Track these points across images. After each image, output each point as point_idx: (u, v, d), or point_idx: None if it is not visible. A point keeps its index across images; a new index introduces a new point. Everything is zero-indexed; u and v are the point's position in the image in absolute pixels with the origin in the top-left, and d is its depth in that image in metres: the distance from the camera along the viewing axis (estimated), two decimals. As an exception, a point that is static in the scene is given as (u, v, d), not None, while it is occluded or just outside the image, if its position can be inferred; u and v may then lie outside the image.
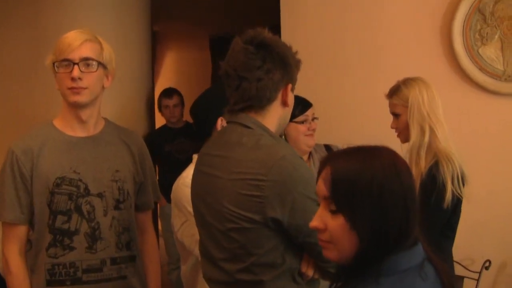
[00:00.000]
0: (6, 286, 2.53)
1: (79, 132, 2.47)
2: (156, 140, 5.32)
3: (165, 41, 9.26)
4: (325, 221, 1.46)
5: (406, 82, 2.93)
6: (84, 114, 2.44)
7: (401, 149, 2.73)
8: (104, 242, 2.42)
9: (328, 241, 1.47)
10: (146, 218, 2.73)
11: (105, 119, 2.60)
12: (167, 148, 5.52)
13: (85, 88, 2.36)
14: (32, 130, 2.53)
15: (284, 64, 2.01)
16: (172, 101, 5.66)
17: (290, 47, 2.07)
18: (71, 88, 2.36)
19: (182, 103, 5.72)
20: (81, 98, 2.38)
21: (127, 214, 2.52)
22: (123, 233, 2.49)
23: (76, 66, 2.34)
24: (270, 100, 2.02)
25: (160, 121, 6.06)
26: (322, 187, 1.46)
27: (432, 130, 2.82)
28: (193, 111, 2.88)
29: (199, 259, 2.75)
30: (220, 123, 2.76)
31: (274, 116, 2.05)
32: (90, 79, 2.37)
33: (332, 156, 1.52)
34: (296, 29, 4.20)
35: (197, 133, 3.02)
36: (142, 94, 5.56)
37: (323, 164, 1.49)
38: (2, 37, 5.95)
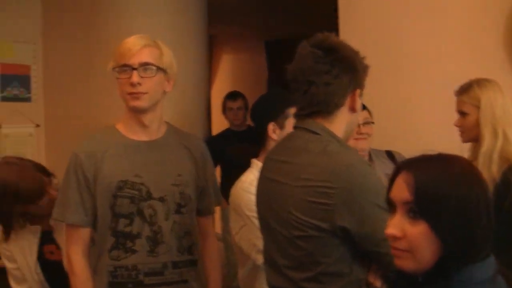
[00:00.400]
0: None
1: (141, 136, 2.48)
2: (218, 144, 5.35)
3: (221, 45, 9.31)
4: (403, 229, 1.39)
5: (480, 82, 2.86)
6: (146, 118, 2.45)
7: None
8: (166, 246, 2.43)
9: (406, 249, 1.39)
10: (208, 222, 2.73)
11: (168, 123, 2.61)
12: (229, 152, 5.54)
13: (144, 93, 2.37)
14: (96, 134, 2.56)
15: (352, 69, 1.98)
16: (236, 104, 5.70)
17: (358, 52, 2.03)
18: (131, 93, 2.37)
19: (246, 106, 5.74)
20: (141, 103, 2.39)
21: (188, 218, 2.52)
22: (184, 237, 2.49)
23: (135, 72, 2.35)
24: (338, 106, 1.99)
25: (216, 124, 6.11)
26: (402, 193, 1.40)
27: (505, 134, 2.76)
28: (250, 116, 2.89)
29: (256, 263, 2.76)
30: (272, 128, 2.76)
31: (341, 122, 2.02)
32: (149, 84, 2.38)
33: (411, 162, 1.46)
34: (355, 34, 4.16)
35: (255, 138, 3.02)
36: (200, 98, 5.60)
37: (399, 169, 1.44)
38: (59, 43, 6.06)
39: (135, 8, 5.43)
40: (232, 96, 5.80)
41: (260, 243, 2.75)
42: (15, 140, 5.93)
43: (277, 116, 2.77)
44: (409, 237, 1.38)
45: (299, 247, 1.91)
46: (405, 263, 1.41)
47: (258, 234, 2.75)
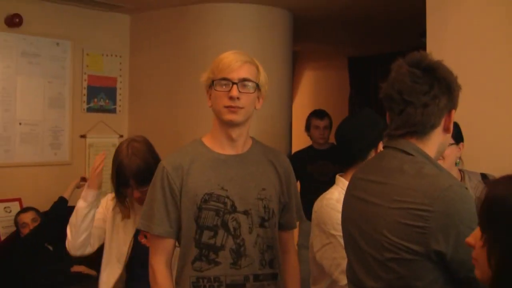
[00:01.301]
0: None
1: (228, 150, 2.50)
2: (300, 160, 5.36)
3: (304, 61, 9.32)
4: (476, 238, 1.45)
5: None
6: (235, 132, 2.47)
7: None
8: (249, 258, 2.43)
9: (474, 258, 1.45)
10: (289, 237, 2.72)
11: (253, 138, 2.62)
12: (310, 169, 5.54)
13: (241, 108, 2.41)
14: (182, 147, 2.59)
15: (449, 90, 1.93)
16: (323, 123, 5.71)
17: (452, 72, 1.99)
18: (228, 107, 2.40)
19: (331, 125, 5.74)
20: (237, 117, 2.42)
21: (271, 233, 2.51)
22: (266, 250, 2.48)
23: (235, 86, 2.38)
24: (433, 127, 1.94)
25: (295, 140, 6.09)
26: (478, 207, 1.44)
27: None
28: (339, 137, 2.87)
29: (339, 283, 2.71)
30: (373, 153, 2.76)
31: (435, 143, 1.98)
32: (246, 100, 2.42)
33: (494, 180, 1.48)
34: (443, 51, 4.09)
35: (340, 157, 3.00)
36: (283, 114, 5.62)
37: (485, 187, 1.45)
38: (145, 56, 6.22)
39: (222, 23, 5.51)
40: (319, 114, 5.79)
41: (345, 263, 2.72)
42: (99, 150, 6.09)
43: (378, 141, 2.76)
44: (476, 246, 1.45)
45: (390, 269, 1.86)
46: (476, 271, 1.47)
47: (343, 254, 2.71)
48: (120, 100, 6.32)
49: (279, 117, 5.65)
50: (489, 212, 1.40)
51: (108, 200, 3.11)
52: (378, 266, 1.91)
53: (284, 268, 2.64)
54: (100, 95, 6.17)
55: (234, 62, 2.41)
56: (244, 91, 2.40)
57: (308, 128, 5.77)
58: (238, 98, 2.38)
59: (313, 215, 2.84)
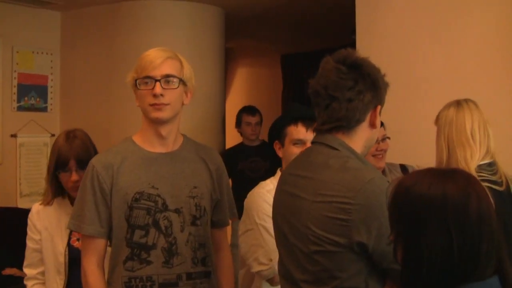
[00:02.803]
0: None
1: (158, 148, 2.50)
2: (230, 158, 5.37)
3: (237, 58, 9.34)
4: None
5: (455, 102, 2.98)
6: (164, 130, 2.47)
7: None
8: (181, 257, 2.43)
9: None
10: (222, 235, 2.73)
11: (184, 135, 2.62)
12: (240, 166, 5.57)
13: (166, 105, 2.40)
14: (113, 146, 2.57)
15: (374, 86, 1.99)
16: (255, 119, 5.72)
17: (379, 69, 2.04)
18: (153, 105, 2.40)
19: (261, 121, 5.77)
20: (163, 114, 2.41)
21: (203, 230, 2.52)
22: (199, 249, 2.49)
23: (158, 83, 2.38)
24: (358, 122, 1.99)
25: (228, 137, 6.12)
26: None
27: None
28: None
29: (250, 270, 2.85)
30: (277, 147, 2.91)
31: (361, 138, 2.02)
32: (171, 96, 2.41)
33: (404, 176, 1.52)
34: (372, 52, 4.16)
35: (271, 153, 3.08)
36: (215, 111, 5.63)
37: (396, 181, 1.50)
38: (77, 54, 6.13)
39: (154, 20, 5.48)
40: (250, 111, 5.81)
41: (260, 252, 2.81)
42: (30, 149, 5.99)
43: (279, 135, 2.88)
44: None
45: (316, 262, 1.91)
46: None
47: (261, 243, 2.81)
48: (51, 98, 6.22)
49: (212, 114, 5.66)
50: (393, 207, 1.44)
51: (39, 212, 2.93)
52: (304, 258, 1.95)
53: (218, 266, 2.65)
54: (31, 94, 6.05)
55: (156, 59, 2.40)
56: (167, 87, 2.40)
57: (239, 124, 5.79)
58: (162, 95, 2.38)
59: (245, 201, 2.94)
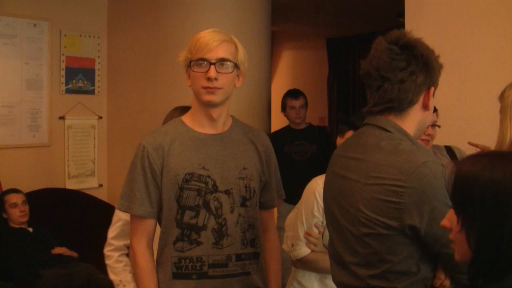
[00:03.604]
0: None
1: (208, 129, 2.50)
2: (276, 141, 5.36)
3: (283, 41, 9.31)
4: (452, 221, 1.45)
5: None
6: (215, 112, 2.46)
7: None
8: (230, 238, 2.44)
9: (453, 241, 1.46)
10: (269, 216, 2.73)
11: (232, 117, 2.62)
12: (287, 149, 5.55)
13: (219, 88, 2.39)
14: (162, 127, 2.58)
15: (427, 67, 1.95)
16: (298, 102, 5.66)
17: (433, 50, 2.01)
18: (206, 88, 2.38)
19: (306, 104, 5.72)
20: (215, 98, 2.40)
21: (252, 212, 2.52)
22: (248, 230, 2.50)
23: (212, 66, 2.36)
24: (411, 103, 1.96)
25: (275, 120, 6.11)
26: (449, 187, 1.44)
27: None
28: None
29: (285, 249, 2.90)
30: None
31: (413, 120, 2.00)
32: (224, 80, 2.40)
33: (463, 159, 1.48)
34: (420, 32, 4.10)
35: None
36: (261, 94, 5.61)
37: (452, 165, 1.46)
38: (123, 37, 6.17)
39: (199, 3, 5.47)
40: (293, 94, 5.75)
41: (290, 234, 2.97)
42: (78, 131, 6.07)
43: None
44: (453, 230, 1.44)
45: (367, 244, 1.90)
46: (456, 255, 1.47)
47: (296, 226, 2.90)
48: (98, 81, 6.28)
49: (258, 97, 5.64)
50: (461, 193, 1.40)
51: None
52: (355, 241, 1.95)
53: (265, 247, 2.65)
54: (78, 76, 6.13)
55: (211, 42, 2.38)
56: (222, 71, 2.38)
57: (284, 108, 5.75)
58: (215, 78, 2.36)
59: (308, 183, 2.97)
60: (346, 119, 2.91)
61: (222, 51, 2.38)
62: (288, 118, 5.78)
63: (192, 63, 2.40)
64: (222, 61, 2.38)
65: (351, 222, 1.96)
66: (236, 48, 2.45)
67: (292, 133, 5.64)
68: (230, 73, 2.41)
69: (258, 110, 5.55)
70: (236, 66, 2.43)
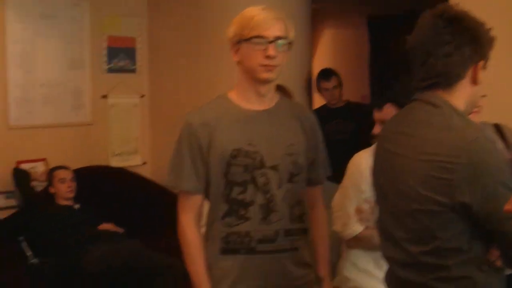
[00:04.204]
0: None
1: (255, 105, 2.50)
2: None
3: (323, 19, 9.23)
4: None
5: None
6: (265, 88, 2.47)
7: None
8: (278, 214, 2.44)
9: None
10: (317, 193, 2.73)
11: (279, 93, 2.63)
12: (326, 129, 5.51)
13: (276, 66, 2.40)
14: (208, 103, 2.59)
15: (475, 40, 1.92)
16: (331, 83, 5.58)
17: (483, 23, 1.97)
18: (265, 66, 2.39)
19: (340, 83, 5.66)
20: (273, 75, 2.42)
21: (300, 188, 2.53)
22: (295, 206, 2.50)
23: (271, 45, 2.37)
24: (459, 78, 1.94)
25: (316, 98, 6.08)
26: None
27: None
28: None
29: (332, 227, 2.88)
30: None
31: (462, 95, 1.97)
32: (281, 57, 2.41)
33: None
34: (468, 5, 4.03)
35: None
36: (302, 72, 5.58)
37: None
38: (164, 16, 6.18)
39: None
40: (324, 75, 5.66)
41: (339, 214, 2.95)
42: (120, 110, 6.13)
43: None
44: None
45: (417, 221, 1.90)
46: None
47: (345, 204, 2.91)
48: (140, 60, 6.32)
49: (299, 75, 5.61)
50: None
51: None
52: (405, 217, 1.94)
53: (312, 223, 2.65)
54: (120, 56, 6.17)
55: (269, 20, 2.38)
56: (279, 49, 2.39)
57: (318, 89, 5.70)
58: (274, 56, 2.37)
59: (350, 160, 2.99)
60: (386, 93, 2.88)
61: (278, 29, 2.39)
62: (324, 98, 5.73)
63: (247, 40, 2.40)
64: (279, 39, 2.38)
65: (402, 198, 1.95)
66: (288, 25, 2.46)
67: (330, 112, 5.58)
68: (285, 51, 2.42)
69: (299, 88, 5.53)
70: (289, 43, 2.44)
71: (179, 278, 4.15)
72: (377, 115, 2.78)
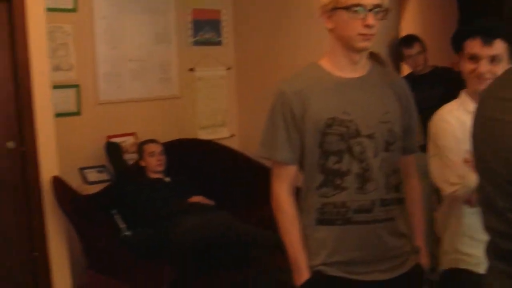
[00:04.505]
0: None
1: (348, 73, 2.45)
2: None
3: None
4: None
5: None
6: (358, 56, 2.43)
7: None
8: (375, 183, 2.40)
9: None
10: (411, 161, 2.67)
11: (371, 60, 2.56)
12: (414, 97, 5.36)
13: (374, 35, 2.37)
14: (300, 71, 2.55)
15: None
16: (413, 50, 5.40)
17: None
18: (364, 35, 2.35)
19: (424, 49, 5.47)
20: (370, 44, 2.39)
21: (396, 157, 2.47)
22: (391, 175, 2.45)
23: (370, 13, 2.32)
24: None
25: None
26: None
27: None
28: None
29: (442, 193, 2.74)
30: None
31: None
32: (377, 26, 2.37)
33: None
34: None
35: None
36: (388, 38, 5.46)
37: None
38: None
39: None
40: (407, 42, 5.46)
41: (448, 173, 2.72)
42: (207, 83, 6.14)
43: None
44: None
45: None
46: None
47: (447, 163, 2.72)
48: (225, 32, 6.32)
49: (387, 41, 5.48)
50: None
51: None
52: (509, 186, 1.84)
53: (407, 193, 2.60)
54: (205, 29, 6.18)
55: None
56: (377, 17, 2.35)
57: (402, 57, 5.54)
58: (373, 25, 2.34)
59: (429, 126, 2.85)
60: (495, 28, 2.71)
61: None
62: (408, 66, 5.58)
63: (344, 9, 2.35)
64: (377, 7, 2.34)
65: (505, 166, 1.85)
66: None
67: (416, 79, 5.41)
68: (382, 19, 2.38)
69: (386, 57, 5.41)
70: (386, 10, 2.38)
71: (273, 249, 4.13)
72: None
